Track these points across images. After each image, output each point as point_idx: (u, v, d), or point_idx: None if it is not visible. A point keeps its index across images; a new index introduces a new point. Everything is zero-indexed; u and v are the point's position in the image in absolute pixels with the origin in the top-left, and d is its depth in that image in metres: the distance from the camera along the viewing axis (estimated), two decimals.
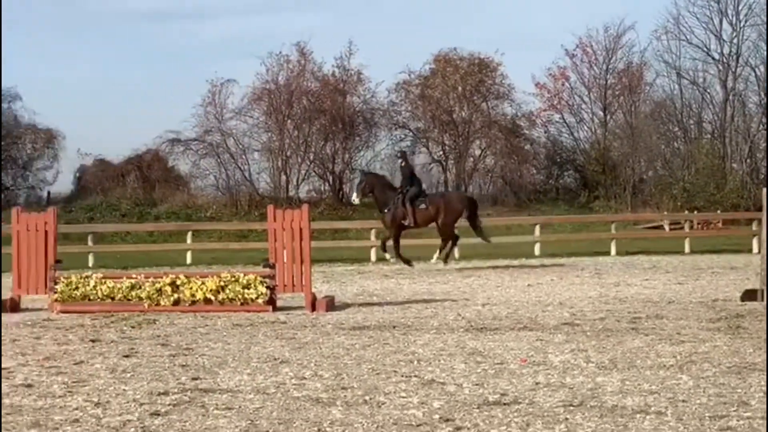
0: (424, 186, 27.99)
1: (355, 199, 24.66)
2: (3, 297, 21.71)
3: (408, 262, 24.82)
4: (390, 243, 27.30)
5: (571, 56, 71.48)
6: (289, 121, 67.47)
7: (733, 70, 68.09)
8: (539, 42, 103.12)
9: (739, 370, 13.21)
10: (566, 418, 10.44)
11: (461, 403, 11.30)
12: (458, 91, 69.24)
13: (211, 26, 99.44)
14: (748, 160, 66.77)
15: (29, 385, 12.72)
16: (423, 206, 25.50)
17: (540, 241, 42.51)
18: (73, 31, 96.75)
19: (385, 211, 25.37)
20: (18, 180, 68.73)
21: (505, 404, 11.21)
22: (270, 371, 13.55)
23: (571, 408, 10.96)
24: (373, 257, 39.23)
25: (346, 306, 21.76)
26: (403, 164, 26.82)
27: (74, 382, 12.93)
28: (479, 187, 70.35)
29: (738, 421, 10.23)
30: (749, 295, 21.22)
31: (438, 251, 26.13)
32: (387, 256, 26.53)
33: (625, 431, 9.85)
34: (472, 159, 70.46)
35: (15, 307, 21.54)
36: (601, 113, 71.62)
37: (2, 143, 62.97)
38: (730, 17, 68.05)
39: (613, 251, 41.37)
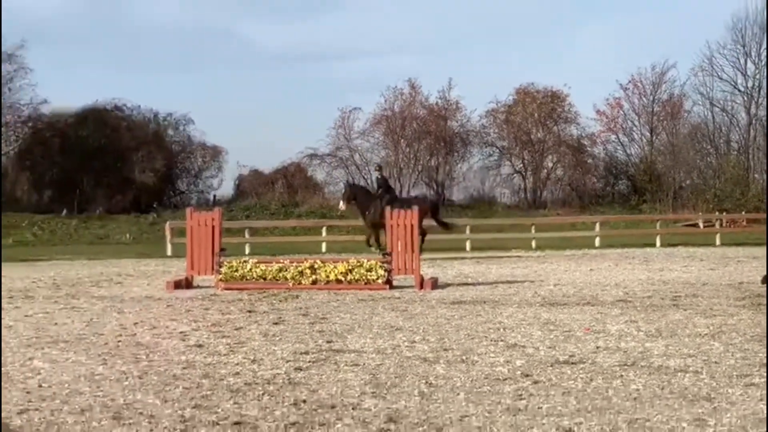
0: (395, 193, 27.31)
1: (342, 206, 24.19)
2: (178, 278, 22.02)
3: (387, 253, 24.30)
4: (372, 240, 26.45)
5: (624, 89, 71.22)
6: (402, 140, 67.92)
7: (756, 99, 68.03)
8: (599, 77, 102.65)
9: (761, 338, 12.98)
10: (621, 375, 10.33)
11: (538, 362, 11.23)
12: (535, 117, 69.33)
13: (342, 66, 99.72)
14: None
15: (200, 345, 12.82)
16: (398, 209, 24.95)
17: (599, 235, 42.25)
18: (237, 68, 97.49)
19: (366, 213, 24.85)
20: (191, 186, 69.42)
21: (572, 363, 11.12)
22: (387, 336, 13.55)
23: (625, 367, 10.84)
24: (468, 247, 39.16)
25: (446, 285, 21.72)
26: (379, 176, 26.21)
27: (235, 343, 13.02)
28: (551, 193, 70.31)
29: (760, 378, 10.06)
30: None
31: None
32: (372, 249, 25.81)
33: (669, 386, 9.72)
34: (545, 170, 70.51)
35: (189, 284, 21.76)
36: (648, 134, 71.28)
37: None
38: (753, 58, 68.36)
39: (657, 243, 40.98)
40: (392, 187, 25.99)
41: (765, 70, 65.86)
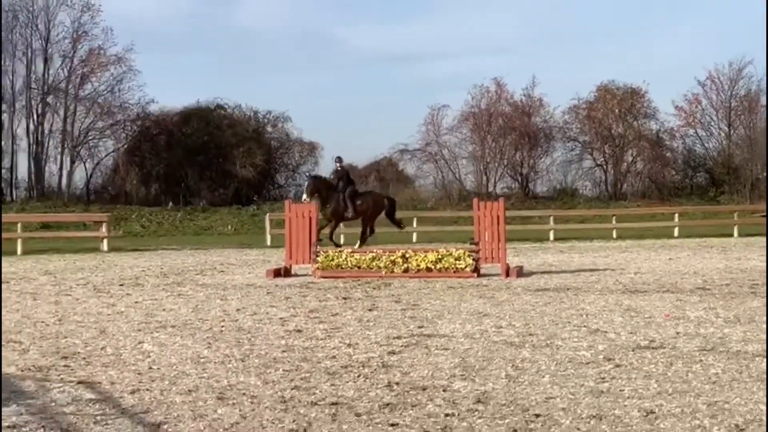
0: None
1: (305, 198, 23.78)
2: (278, 266, 22.17)
3: (338, 245, 23.73)
4: (326, 231, 25.66)
5: (702, 85, 70.42)
6: (488, 136, 67.85)
7: None
8: (678, 74, 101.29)
9: None
10: (701, 360, 10.23)
11: (619, 347, 11.15)
12: (615, 113, 68.84)
13: (431, 66, 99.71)
14: None
15: (299, 331, 12.93)
16: (359, 201, 24.47)
17: (678, 226, 41.80)
18: (332, 68, 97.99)
19: (327, 206, 24.45)
20: (288, 180, 69.76)
21: (653, 348, 11.03)
22: (475, 321, 13.55)
23: (705, 352, 10.73)
24: (551, 237, 38.95)
25: (531, 274, 21.67)
26: (339, 167, 25.72)
27: (332, 328, 13.11)
28: (631, 185, 69.68)
29: None
30: None
31: (359, 240, 24.78)
32: (334, 243, 25.20)
33: (747, 370, 9.60)
34: (625, 164, 69.97)
35: (288, 273, 21.93)
36: (726, 128, 70.40)
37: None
38: None
39: (735, 234, 40.46)
40: (353, 179, 25.52)
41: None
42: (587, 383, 9.08)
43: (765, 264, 23.29)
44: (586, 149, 70.27)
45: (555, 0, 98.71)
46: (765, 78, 67.27)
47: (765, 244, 30.25)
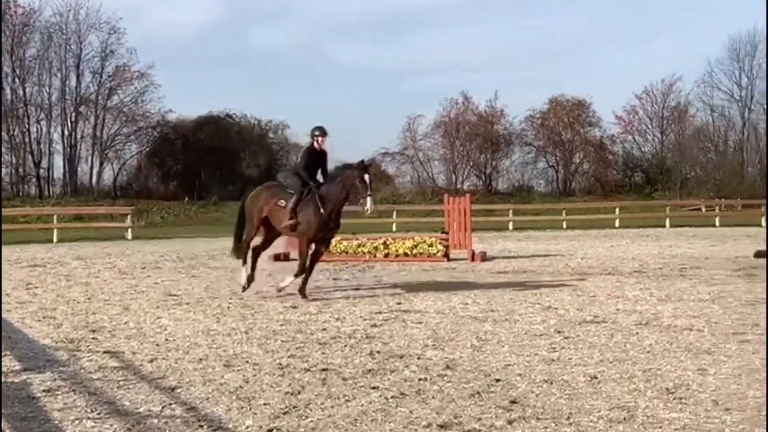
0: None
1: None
2: (278, 252, 22.04)
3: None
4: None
5: (639, 98, 71.07)
6: (457, 141, 68.27)
7: (749, 106, 68.45)
8: (618, 88, 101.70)
9: (753, 303, 12.78)
10: (637, 333, 10.22)
11: (568, 321, 11.14)
12: (564, 121, 69.37)
13: (409, 81, 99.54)
14: (759, 166, 66.23)
15: (295, 307, 12.87)
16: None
17: (618, 218, 41.87)
18: (325, 81, 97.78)
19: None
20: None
21: (597, 323, 11.02)
22: (445, 299, 13.52)
23: (641, 326, 10.73)
24: (510, 227, 38.95)
25: (493, 258, 21.65)
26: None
27: (323, 305, 13.06)
28: (578, 183, 70.15)
29: (752, 336, 9.90)
30: (759, 254, 20.61)
31: None
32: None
33: (676, 342, 9.60)
34: (573, 165, 70.57)
35: (287, 257, 21.78)
36: (660, 135, 71.04)
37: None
38: (746, 71, 68.17)
39: (667, 225, 40.58)
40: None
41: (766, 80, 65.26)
42: (540, 352, 9.05)
43: (694, 251, 23.35)
44: (540, 153, 70.80)
45: (515, 27, 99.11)
46: (692, 92, 68.14)
47: (700, 235, 30.30)
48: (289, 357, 8.94)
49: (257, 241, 15.01)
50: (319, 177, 14.05)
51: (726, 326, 10.62)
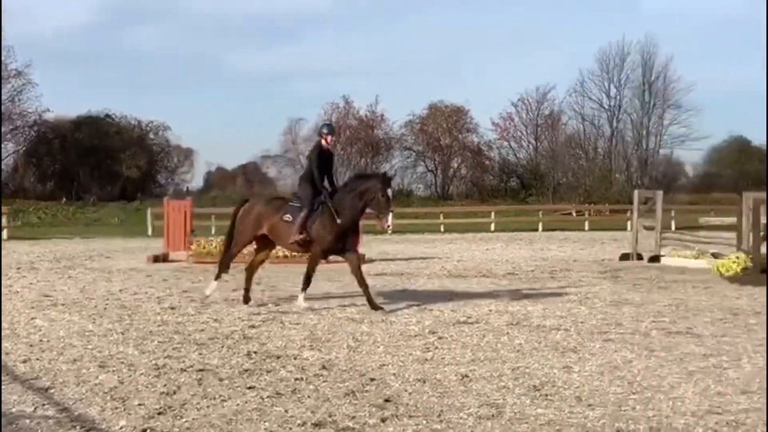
0: None
1: None
2: (157, 253, 21.76)
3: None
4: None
5: (514, 106, 72.42)
6: (338, 145, 68.34)
7: (617, 116, 70.09)
8: (495, 96, 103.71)
9: (617, 303, 13.20)
10: (508, 332, 10.45)
11: (443, 322, 11.31)
12: (443, 127, 70.19)
13: (291, 85, 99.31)
14: (626, 172, 68.22)
15: (173, 308, 12.75)
16: None
17: (494, 222, 42.57)
18: (212, 85, 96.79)
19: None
20: (168, 180, 68.99)
21: (470, 323, 11.22)
22: (323, 301, 13.55)
23: (512, 326, 10.96)
24: (389, 231, 39.17)
25: (372, 261, 21.76)
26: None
27: (202, 306, 12.95)
28: (456, 188, 71.13)
29: (615, 335, 10.23)
30: (624, 257, 21.22)
31: None
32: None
33: (545, 341, 9.85)
34: (452, 170, 71.51)
35: (165, 259, 21.55)
36: (534, 142, 72.57)
37: None
38: (615, 82, 70.23)
39: (540, 228, 41.38)
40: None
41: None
42: (415, 352, 9.18)
43: (564, 254, 23.91)
44: (420, 157, 71.51)
45: (393, 35, 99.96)
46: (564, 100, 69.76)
47: (570, 239, 31.00)
48: (165, 358, 8.86)
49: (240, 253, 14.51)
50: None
51: (591, 326, 10.94)
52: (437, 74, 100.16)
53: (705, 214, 43.30)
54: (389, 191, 12.51)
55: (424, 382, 7.78)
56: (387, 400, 7.10)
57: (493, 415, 6.64)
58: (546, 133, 72.63)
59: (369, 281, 13.16)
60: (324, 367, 8.39)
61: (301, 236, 12.63)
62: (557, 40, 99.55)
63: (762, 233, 17.02)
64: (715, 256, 18.42)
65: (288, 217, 12.77)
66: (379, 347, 9.49)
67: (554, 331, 10.56)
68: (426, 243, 30.83)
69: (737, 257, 16.54)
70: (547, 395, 7.28)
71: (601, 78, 70.51)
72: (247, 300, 13.03)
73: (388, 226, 12.55)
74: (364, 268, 19.49)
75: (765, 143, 65.88)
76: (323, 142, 13.03)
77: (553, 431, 6.26)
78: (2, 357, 8.83)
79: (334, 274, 18.15)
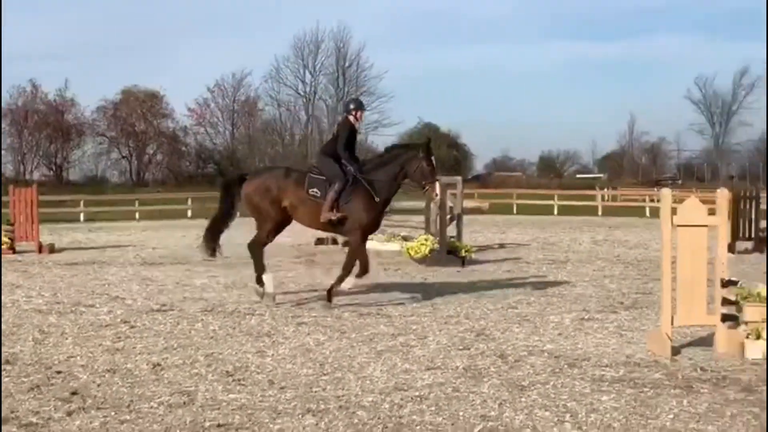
0: None
1: None
2: None
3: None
4: None
5: (211, 91, 72.60)
6: (25, 130, 65.78)
7: (312, 102, 72.00)
8: (192, 81, 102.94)
9: (314, 287, 13.40)
10: (203, 319, 10.38)
11: (135, 311, 11.04)
12: (138, 112, 69.20)
13: None
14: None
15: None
16: None
17: (191, 209, 42.14)
18: None
19: None
20: None
21: (164, 311, 11.03)
22: (8, 293, 12.79)
23: (206, 312, 10.89)
24: (82, 218, 37.77)
25: (63, 250, 20.86)
26: None
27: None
28: (152, 174, 70.34)
29: (308, 318, 10.39)
30: (320, 241, 21.50)
31: None
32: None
33: (239, 326, 9.85)
34: (147, 156, 70.76)
35: None
36: (231, 128, 72.98)
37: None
38: (311, 69, 72.28)
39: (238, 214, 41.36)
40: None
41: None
42: (105, 343, 8.89)
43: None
44: (114, 143, 70.04)
45: (83, 17, 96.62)
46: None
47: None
48: None
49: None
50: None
51: (285, 310, 11.05)
52: (131, 59, 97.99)
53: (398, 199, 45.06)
54: (433, 159, 11.44)
55: (114, 372, 7.55)
56: (74, 393, 6.83)
57: (184, 403, 6.55)
58: (243, 119, 73.28)
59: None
60: (8, 362, 7.94)
61: (336, 215, 11.35)
62: (251, 27, 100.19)
63: (448, 216, 17.83)
64: (405, 239, 19.07)
65: (315, 191, 11.51)
66: (67, 339, 9.11)
67: (249, 316, 10.58)
68: (121, 231, 29.89)
69: (425, 239, 17.21)
70: (240, 380, 7.27)
71: (296, 65, 71.89)
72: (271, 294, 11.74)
73: (436, 195, 11.67)
74: (55, 257, 18.76)
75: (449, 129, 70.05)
76: (352, 117, 11.82)
77: (245, 415, 6.25)
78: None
79: (20, 265, 17.27)
